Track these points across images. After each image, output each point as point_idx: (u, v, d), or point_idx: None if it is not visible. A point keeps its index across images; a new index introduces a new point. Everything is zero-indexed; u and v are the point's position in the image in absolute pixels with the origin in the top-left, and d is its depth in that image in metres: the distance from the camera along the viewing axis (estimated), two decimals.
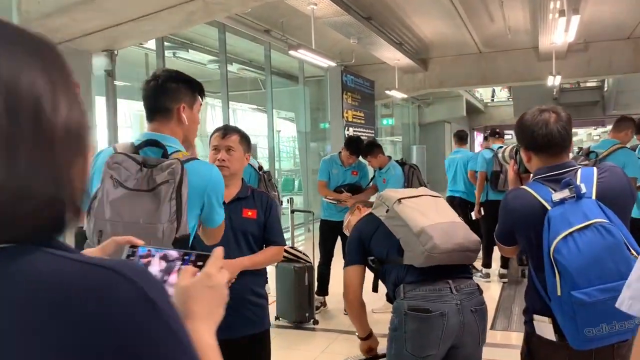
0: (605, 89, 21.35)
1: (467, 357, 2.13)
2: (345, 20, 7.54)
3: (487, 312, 2.15)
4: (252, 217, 2.45)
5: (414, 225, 2.12)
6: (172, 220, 1.63)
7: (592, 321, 1.66)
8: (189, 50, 9.26)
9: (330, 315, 5.12)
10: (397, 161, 5.22)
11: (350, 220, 2.72)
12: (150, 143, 1.79)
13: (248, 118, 15.03)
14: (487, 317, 2.16)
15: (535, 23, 9.41)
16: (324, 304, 5.20)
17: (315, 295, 5.00)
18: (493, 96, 26.31)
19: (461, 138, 6.85)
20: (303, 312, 4.76)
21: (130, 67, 9.04)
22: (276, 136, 11.53)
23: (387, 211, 2.26)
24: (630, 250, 1.68)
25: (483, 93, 25.31)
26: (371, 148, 5.13)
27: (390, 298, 2.27)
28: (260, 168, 5.83)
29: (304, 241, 9.18)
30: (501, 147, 6.40)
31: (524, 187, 1.88)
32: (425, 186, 5.21)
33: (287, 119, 13.95)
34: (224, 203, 2.39)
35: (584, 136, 52.90)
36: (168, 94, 1.83)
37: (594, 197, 1.76)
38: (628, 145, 4.47)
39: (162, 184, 1.65)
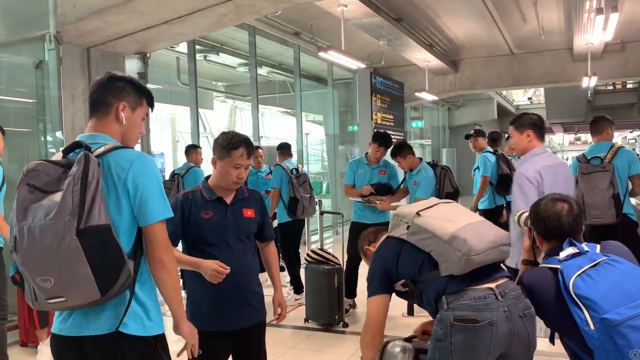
0: None
1: None
2: (375, 21, 7.49)
3: (536, 315, 2.02)
4: (251, 217, 2.53)
5: (442, 233, 2.03)
6: (74, 213, 1.55)
7: (633, 343, 1.73)
8: (219, 53, 9.32)
9: (359, 318, 5.06)
10: (428, 163, 5.12)
11: (367, 252, 2.56)
12: (75, 145, 1.76)
13: (276, 121, 15.10)
14: (536, 321, 2.03)
15: (570, 23, 9.19)
16: (353, 306, 5.15)
17: (345, 298, 4.95)
18: (530, 98, 25.80)
19: (494, 140, 6.68)
20: (333, 314, 4.72)
21: (161, 70, 9.18)
22: (305, 139, 11.54)
23: (407, 228, 2.15)
24: None
25: (515, 95, 24.90)
26: (401, 149, 5.06)
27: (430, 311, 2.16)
28: (295, 170, 5.78)
29: (332, 244, 9.14)
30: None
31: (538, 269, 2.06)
32: (458, 189, 5.12)
33: (315, 122, 13.95)
34: (225, 204, 2.46)
35: (619, 140, 51.64)
36: (111, 89, 1.83)
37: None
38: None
39: (67, 178, 1.61)
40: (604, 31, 6.10)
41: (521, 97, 26.56)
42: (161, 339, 1.83)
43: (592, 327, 1.80)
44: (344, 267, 4.95)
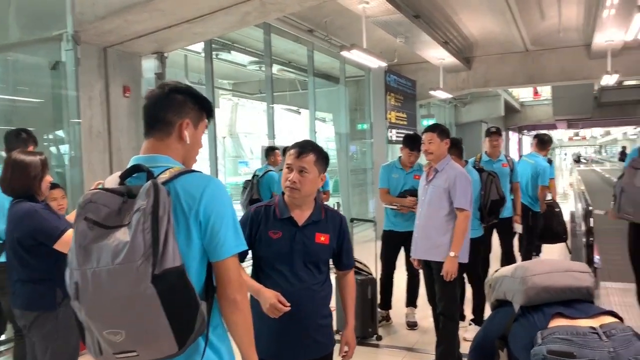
0: None
1: None
2: (396, 18, 7.28)
3: None
4: (324, 243, 2.28)
5: (507, 270, 2.07)
6: (147, 255, 1.33)
7: None
8: (231, 51, 9.10)
9: (394, 330, 4.87)
10: (473, 166, 4.82)
11: None
12: (134, 169, 1.54)
13: (286, 119, 14.90)
14: None
15: (588, 20, 9.00)
16: (386, 318, 4.95)
17: (378, 309, 4.76)
18: (537, 92, 25.56)
19: (543, 142, 6.35)
20: (366, 327, 4.52)
21: (169, 69, 8.94)
22: (315, 138, 11.34)
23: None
24: None
25: (518, 92, 24.71)
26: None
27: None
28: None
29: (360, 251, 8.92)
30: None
31: None
32: (504, 197, 4.88)
33: (323, 120, 13.74)
34: (296, 226, 2.24)
35: (618, 135, 51.64)
36: (172, 105, 1.61)
37: None
38: None
39: (135, 213, 1.38)
40: (639, 31, 5.89)
41: (524, 94, 26.37)
42: None
43: None
44: (378, 277, 4.76)
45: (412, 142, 4.80)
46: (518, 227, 5.53)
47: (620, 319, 1.84)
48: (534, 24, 9.44)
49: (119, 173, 1.58)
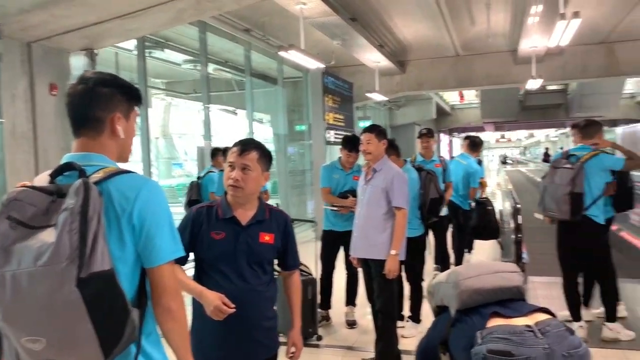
0: (569, 92, 21.86)
1: None
2: (333, 21, 7.34)
3: (588, 355, 1.85)
4: (269, 242, 2.24)
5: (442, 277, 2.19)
6: (73, 257, 1.25)
7: None
8: (165, 49, 8.85)
9: (334, 329, 4.90)
10: (413, 165, 4.93)
11: None
12: (65, 167, 1.46)
13: (222, 119, 14.66)
14: None
15: (515, 27, 9.45)
16: (326, 317, 4.97)
17: (318, 309, 4.77)
18: (462, 96, 26.61)
19: (475, 144, 6.61)
20: (306, 327, 4.51)
21: (98, 67, 8.58)
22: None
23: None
24: None
25: (448, 95, 25.59)
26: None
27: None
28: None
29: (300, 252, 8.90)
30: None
31: None
32: (443, 195, 5.02)
33: (261, 121, 13.65)
34: (240, 226, 2.19)
35: (541, 137, 54.54)
36: (99, 100, 1.51)
37: None
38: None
39: (62, 213, 1.30)
40: (562, 36, 6.25)
41: (454, 98, 27.35)
42: None
43: None
44: (317, 277, 4.77)
45: (350, 144, 4.84)
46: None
47: (553, 314, 1.94)
48: (465, 29, 9.81)
49: (49, 172, 1.48)
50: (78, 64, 5.38)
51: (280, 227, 2.28)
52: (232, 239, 2.18)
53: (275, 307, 2.33)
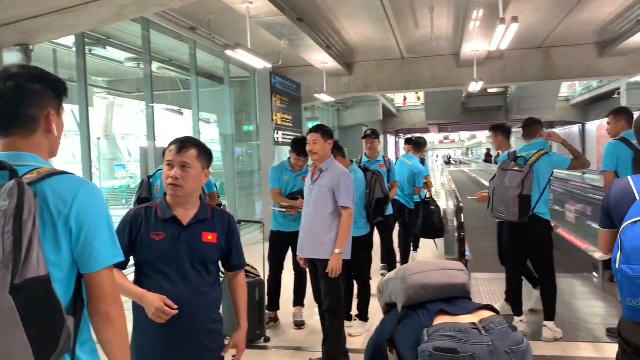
0: (509, 95, 22.73)
1: None
2: (279, 20, 7.32)
3: (529, 352, 1.86)
4: (212, 242, 2.18)
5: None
6: (6, 262, 1.19)
7: (632, 293, 2.02)
8: (107, 47, 8.56)
9: (282, 330, 4.87)
10: (359, 166, 4.96)
11: None
12: None
13: (167, 119, 14.34)
14: (531, 357, 1.87)
15: (457, 31, 9.73)
16: (274, 319, 4.93)
17: (266, 311, 4.73)
18: (405, 99, 27.24)
19: (419, 145, 6.77)
20: (253, 329, 4.46)
21: (36, 64, 8.20)
22: (199, 139, 11.04)
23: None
24: None
25: (395, 97, 26.07)
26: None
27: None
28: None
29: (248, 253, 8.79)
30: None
31: (628, 177, 2.18)
32: (388, 195, 5.08)
33: (207, 121, 13.44)
34: (181, 225, 2.14)
35: (483, 138, 56.41)
36: (32, 98, 1.42)
37: None
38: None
39: None
40: (501, 40, 6.47)
41: (399, 100, 27.91)
42: None
43: (617, 265, 2.03)
44: (265, 279, 4.73)
45: (300, 147, 4.78)
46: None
47: (497, 311, 1.99)
48: (409, 32, 10.01)
49: None
50: (12, 60, 5.13)
51: (224, 226, 2.24)
52: (173, 239, 2.13)
53: (221, 311, 2.29)
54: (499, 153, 5.37)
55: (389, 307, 2.20)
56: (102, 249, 1.41)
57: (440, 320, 1.92)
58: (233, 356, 2.31)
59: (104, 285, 1.42)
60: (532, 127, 4.54)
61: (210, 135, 13.38)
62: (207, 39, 8.54)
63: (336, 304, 3.81)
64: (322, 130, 3.84)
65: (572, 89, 24.84)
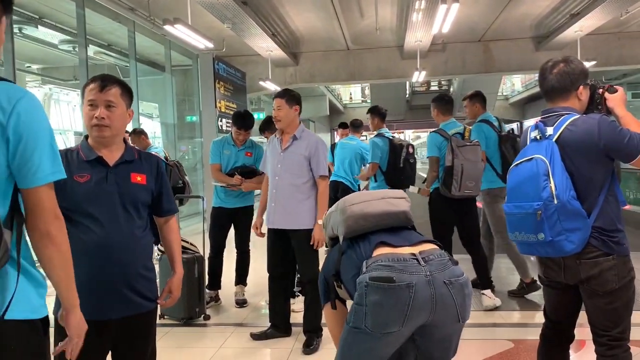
0: (451, 92, 23.30)
1: (443, 337, 1.87)
2: (222, 1, 7.15)
3: (468, 284, 1.87)
4: (141, 183, 2.09)
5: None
6: None
7: (511, 228, 2.25)
8: (38, 26, 8.13)
9: (223, 309, 4.73)
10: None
11: None
12: None
13: None
14: (470, 291, 1.87)
15: (401, 21, 9.85)
16: (215, 298, 4.78)
17: (207, 290, 4.58)
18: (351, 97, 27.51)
19: (356, 126, 6.91)
20: (192, 307, 4.32)
21: None
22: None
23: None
24: (549, 181, 2.07)
25: (341, 93, 26.27)
26: (269, 125, 4.81)
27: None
28: (167, 158, 5.33)
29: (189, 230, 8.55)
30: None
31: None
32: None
33: (150, 116, 13.05)
34: (107, 166, 2.03)
35: (426, 133, 57.87)
36: None
37: (555, 139, 2.16)
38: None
39: None
40: (443, 22, 6.56)
41: (345, 97, 28.17)
42: (47, 322, 1.42)
43: None
44: (206, 257, 4.58)
45: (240, 121, 4.69)
46: None
47: (441, 247, 1.96)
48: (355, 22, 10.03)
49: None
50: None
51: (152, 169, 2.14)
52: (100, 180, 2.00)
53: (154, 261, 2.17)
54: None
55: (333, 241, 2.15)
56: (43, 164, 1.33)
57: (381, 251, 1.88)
58: (166, 300, 2.20)
59: (43, 202, 1.35)
60: (449, 105, 4.83)
61: (152, 126, 12.99)
62: (147, 21, 8.26)
63: (315, 273, 3.72)
64: (287, 95, 3.68)
65: (512, 89, 25.82)
